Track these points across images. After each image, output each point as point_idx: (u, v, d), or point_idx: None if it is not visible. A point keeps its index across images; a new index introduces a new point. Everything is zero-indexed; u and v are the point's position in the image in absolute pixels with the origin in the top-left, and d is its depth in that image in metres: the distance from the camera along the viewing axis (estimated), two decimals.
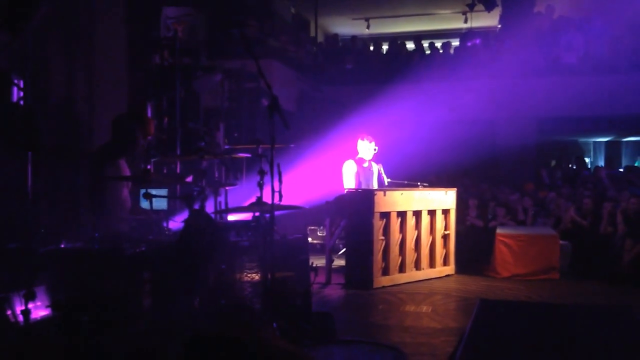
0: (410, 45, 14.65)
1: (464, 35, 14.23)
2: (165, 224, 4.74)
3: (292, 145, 5.80)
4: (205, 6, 9.62)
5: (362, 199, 7.34)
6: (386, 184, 8.04)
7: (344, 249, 8.40)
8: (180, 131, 7.13)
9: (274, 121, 4.02)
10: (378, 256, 7.34)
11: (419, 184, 8.06)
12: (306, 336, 4.27)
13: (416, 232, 7.84)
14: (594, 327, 3.15)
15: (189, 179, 5.67)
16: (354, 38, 15.07)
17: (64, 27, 6.73)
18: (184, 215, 4.46)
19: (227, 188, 5.47)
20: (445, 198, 8.23)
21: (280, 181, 4.19)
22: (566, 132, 14.79)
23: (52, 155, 6.00)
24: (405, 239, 7.66)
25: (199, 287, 4.19)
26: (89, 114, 7.01)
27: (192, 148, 5.98)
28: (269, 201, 4.12)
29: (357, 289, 7.22)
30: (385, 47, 14.67)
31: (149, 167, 4.89)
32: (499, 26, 14.27)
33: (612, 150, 16.93)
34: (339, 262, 8.28)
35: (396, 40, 14.44)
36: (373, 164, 8.03)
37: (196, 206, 4.45)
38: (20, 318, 3.83)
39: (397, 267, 7.59)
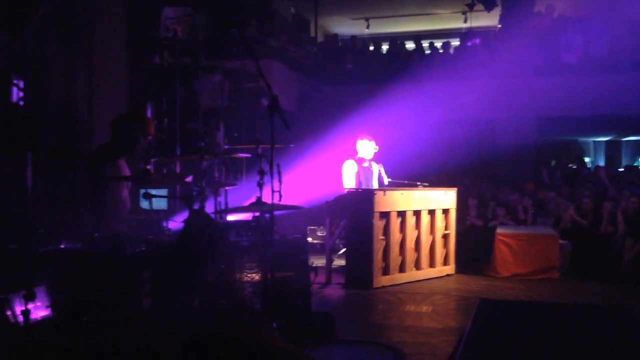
0: (410, 45, 14.66)
1: (464, 35, 14.23)
2: (165, 224, 4.74)
3: (292, 145, 5.80)
4: (205, 6, 9.63)
5: (362, 199, 7.34)
6: (386, 183, 8.04)
7: (344, 249, 8.40)
8: (180, 131, 7.12)
9: (273, 121, 4.02)
10: (378, 256, 7.34)
11: (419, 183, 8.06)
12: (306, 336, 4.27)
13: (416, 232, 7.84)
14: (594, 327, 3.15)
15: (189, 179, 5.66)
16: (353, 38, 15.07)
17: (64, 27, 6.73)
18: (184, 215, 4.45)
19: (227, 188, 5.47)
20: (445, 198, 8.23)
21: (280, 181, 4.19)
22: (566, 131, 14.80)
23: (51, 155, 6.00)
24: (405, 239, 7.65)
25: (198, 287, 4.18)
26: (89, 114, 7.01)
27: (192, 148, 5.97)
28: (269, 201, 4.12)
29: (357, 288, 7.22)
30: (385, 47, 14.68)
31: (148, 167, 4.88)
32: (499, 26, 14.26)
33: (612, 150, 16.94)
34: (339, 262, 8.28)
35: (396, 40, 14.45)
36: (373, 163, 8.03)
37: (196, 206, 4.44)
38: (20, 318, 3.83)
39: (397, 267, 7.59)
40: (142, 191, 4.73)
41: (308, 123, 11.11)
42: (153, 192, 4.62)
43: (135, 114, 5.95)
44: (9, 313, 3.93)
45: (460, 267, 8.36)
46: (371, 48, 14.63)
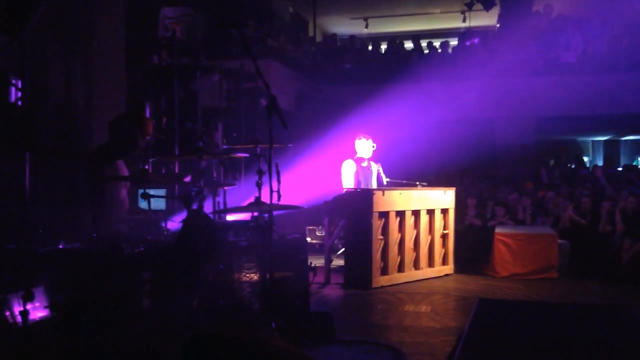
0: (408, 45, 14.66)
1: (463, 34, 14.25)
2: (163, 224, 4.74)
3: (290, 145, 5.80)
4: (203, 6, 9.62)
5: (361, 199, 7.34)
6: (385, 183, 8.04)
7: (342, 249, 8.40)
8: (179, 131, 7.12)
9: (272, 121, 4.01)
10: (377, 256, 7.34)
11: (417, 183, 8.06)
12: (305, 336, 4.27)
13: (415, 232, 7.85)
14: (592, 327, 3.15)
15: (188, 179, 5.66)
16: (352, 38, 15.08)
17: (63, 27, 6.72)
18: (183, 215, 4.45)
19: (225, 188, 5.46)
20: (444, 197, 8.23)
21: (278, 181, 4.18)
22: (565, 131, 14.82)
23: (50, 155, 5.99)
24: (404, 239, 7.66)
25: (197, 287, 4.18)
26: (88, 114, 7.00)
27: (190, 148, 5.96)
28: (268, 201, 4.12)
29: (356, 288, 7.22)
30: (383, 47, 14.68)
31: (147, 167, 4.88)
32: (498, 25, 14.28)
33: (611, 149, 16.96)
34: (338, 262, 8.28)
35: (395, 40, 14.45)
36: (372, 163, 8.03)
37: (194, 206, 4.44)
38: (19, 319, 3.82)
39: (396, 267, 7.60)
40: (141, 191, 4.72)
41: (307, 123, 11.11)
42: (151, 192, 4.63)
43: (134, 114, 5.94)
44: (7, 313, 3.93)
45: (459, 267, 8.37)
46: (370, 48, 14.64)
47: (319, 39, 16.04)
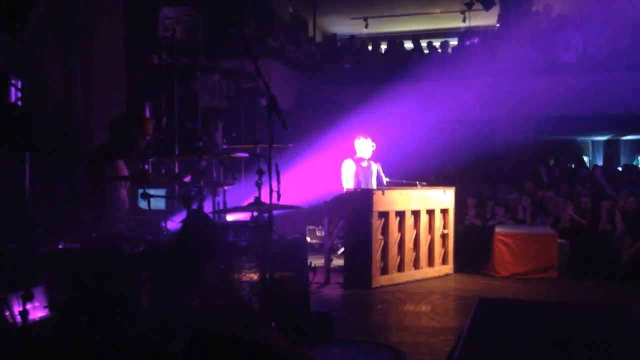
0: (408, 45, 14.65)
1: (463, 34, 14.23)
2: (163, 224, 4.74)
3: (290, 145, 5.80)
4: (203, 6, 9.62)
5: (361, 199, 7.34)
6: (385, 183, 8.04)
7: (342, 249, 8.40)
8: (179, 131, 7.12)
9: (272, 121, 4.01)
10: (377, 256, 7.34)
11: (417, 183, 8.06)
12: (305, 336, 4.27)
13: (415, 232, 7.85)
14: (592, 326, 3.15)
15: (187, 179, 5.67)
16: (352, 38, 15.07)
17: (63, 28, 6.72)
18: (182, 215, 4.45)
19: (225, 188, 5.47)
20: (443, 197, 8.23)
21: (278, 181, 4.18)
22: (565, 131, 14.80)
23: (50, 155, 5.99)
24: (404, 239, 7.66)
25: (197, 287, 4.18)
26: (88, 114, 7.00)
27: (190, 148, 5.96)
28: (268, 201, 4.12)
29: (356, 288, 7.22)
30: (383, 47, 14.67)
31: (146, 167, 4.88)
32: (497, 25, 14.26)
33: (611, 149, 16.95)
34: (338, 262, 8.28)
35: (394, 40, 14.44)
36: (372, 163, 8.03)
37: (194, 206, 4.44)
38: (19, 319, 3.82)
39: (396, 267, 7.60)
40: (141, 191, 4.72)
41: (307, 123, 11.11)
42: (151, 192, 4.63)
43: (133, 114, 5.94)
44: (7, 313, 3.93)
45: (459, 267, 8.37)
46: (370, 48, 14.64)
47: (318, 39, 16.03)
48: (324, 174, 8.56)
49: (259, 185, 4.28)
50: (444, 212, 8.27)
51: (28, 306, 3.85)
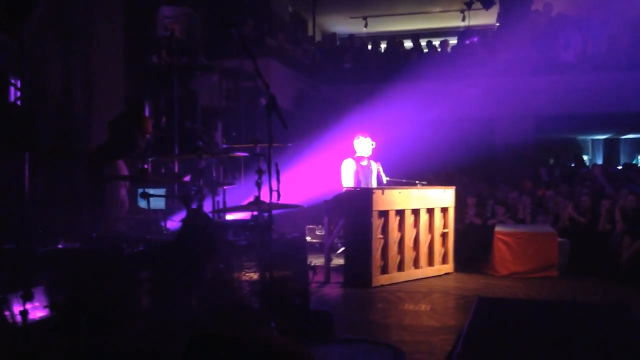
0: (408, 44, 14.64)
1: (462, 33, 14.23)
2: (163, 224, 4.74)
3: (290, 144, 5.80)
4: (202, 5, 9.62)
5: (361, 198, 7.34)
6: (385, 182, 8.04)
7: (342, 248, 8.40)
8: (178, 130, 7.12)
9: (271, 120, 4.01)
10: (377, 255, 7.34)
11: (417, 182, 8.06)
12: (305, 335, 4.27)
13: (415, 231, 7.85)
14: (592, 325, 3.15)
15: (187, 178, 5.67)
16: (351, 37, 15.06)
17: (62, 27, 6.72)
18: (182, 214, 4.45)
19: (225, 187, 5.46)
20: (443, 196, 8.23)
21: (278, 180, 4.18)
22: (565, 130, 14.81)
23: (50, 155, 5.99)
24: (404, 238, 7.66)
25: (197, 286, 4.18)
26: (87, 113, 7.01)
27: (190, 147, 5.96)
28: (267, 200, 4.12)
29: (356, 287, 7.22)
30: (383, 46, 14.66)
31: (146, 166, 4.88)
32: (497, 24, 14.26)
33: (611, 148, 16.96)
34: (338, 261, 8.28)
35: (394, 39, 14.43)
36: (372, 162, 8.03)
37: (194, 205, 4.44)
38: (19, 319, 3.82)
39: (396, 266, 7.60)
40: (140, 191, 4.72)
41: (306, 122, 11.11)
42: (151, 191, 4.62)
43: (132, 113, 5.94)
44: (7, 313, 3.93)
45: (459, 266, 8.37)
46: (369, 47, 14.62)
47: (318, 38, 16.01)
48: (324, 173, 8.56)
49: (258, 185, 4.28)
50: (444, 211, 8.27)
51: (28, 306, 3.85)
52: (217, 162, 6.41)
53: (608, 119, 12.59)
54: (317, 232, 9.94)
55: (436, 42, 14.08)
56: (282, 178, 4.21)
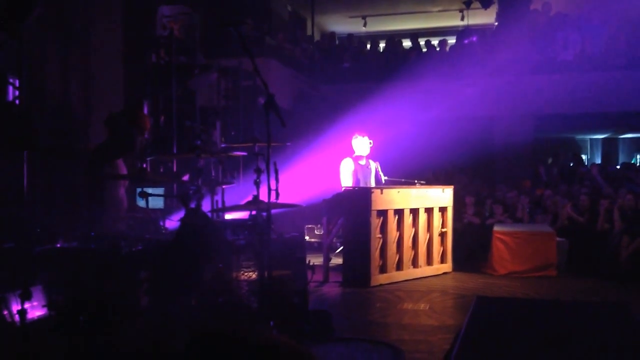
0: (407, 43, 14.64)
1: (461, 32, 14.22)
2: (162, 223, 4.73)
3: (289, 144, 5.80)
4: (201, 4, 9.61)
5: (360, 197, 7.34)
6: (383, 181, 8.05)
7: (341, 247, 8.40)
8: (177, 130, 7.12)
9: (270, 119, 4.02)
10: (375, 254, 7.34)
11: (416, 181, 8.07)
12: (304, 335, 4.27)
13: (413, 230, 7.85)
14: (591, 325, 3.15)
15: (186, 177, 5.66)
16: (350, 36, 15.06)
17: (61, 26, 6.72)
18: (181, 214, 4.45)
19: (223, 186, 5.46)
20: (442, 196, 8.24)
21: (277, 179, 4.19)
22: (563, 129, 14.81)
23: (48, 154, 5.98)
24: (403, 237, 7.66)
25: (196, 286, 4.18)
26: (86, 112, 7.00)
27: (188, 146, 5.97)
28: (266, 199, 4.12)
29: (355, 287, 7.22)
30: (382, 45, 14.66)
31: (145, 165, 4.88)
32: (496, 24, 14.26)
33: (609, 147, 16.97)
34: (337, 261, 8.27)
35: (393, 38, 14.43)
36: (370, 161, 8.03)
37: (192, 205, 4.44)
38: (17, 318, 3.82)
39: (395, 265, 7.60)
40: (139, 190, 4.72)
41: (305, 121, 11.10)
42: (149, 190, 4.62)
43: (130, 112, 5.93)
44: (5, 312, 3.93)
45: (458, 265, 8.38)
46: (368, 46, 14.62)
47: (317, 37, 16.01)
48: (323, 172, 8.56)
49: (257, 184, 4.29)
50: (443, 210, 8.27)
51: (26, 305, 3.84)
52: (215, 161, 6.41)
53: (607, 119, 12.60)
54: (316, 232, 9.94)
55: (435, 42, 14.08)
56: (280, 177, 4.22)
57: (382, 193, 7.40)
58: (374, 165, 8.05)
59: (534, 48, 12.24)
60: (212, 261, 4.31)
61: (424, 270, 7.92)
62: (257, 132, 7.34)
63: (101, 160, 5.03)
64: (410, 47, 14.16)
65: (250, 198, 4.39)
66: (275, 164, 4.12)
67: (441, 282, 7.66)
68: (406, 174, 8.34)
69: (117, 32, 7.61)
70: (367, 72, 13.11)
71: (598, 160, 15.75)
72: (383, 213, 7.43)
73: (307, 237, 9.56)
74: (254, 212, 4.65)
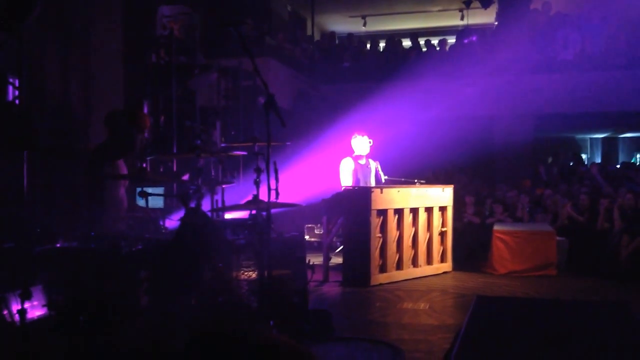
0: (406, 43, 14.64)
1: (461, 32, 14.22)
2: (161, 223, 4.73)
3: (288, 143, 5.80)
4: (201, 4, 9.61)
5: (359, 197, 7.34)
6: (383, 181, 8.05)
7: (341, 247, 8.40)
8: (177, 129, 7.12)
9: (270, 119, 4.02)
10: (375, 253, 7.34)
11: (416, 181, 8.06)
12: (304, 334, 4.27)
13: (413, 229, 7.85)
14: (591, 324, 3.15)
15: (186, 177, 5.67)
16: (350, 36, 15.05)
17: (61, 26, 6.72)
18: (181, 213, 4.45)
19: (223, 186, 5.46)
20: (442, 195, 8.24)
21: (276, 179, 4.19)
22: (563, 128, 14.82)
23: (48, 154, 5.99)
24: (403, 236, 7.66)
25: (195, 285, 4.18)
26: (86, 112, 7.00)
27: (188, 146, 5.97)
28: (266, 199, 4.12)
29: (355, 286, 7.22)
30: (382, 45, 14.66)
31: (145, 165, 4.88)
32: (496, 23, 14.26)
33: (609, 147, 16.97)
34: (336, 260, 8.27)
35: (393, 38, 14.43)
36: (370, 161, 8.04)
37: (192, 204, 4.44)
38: (17, 318, 3.82)
39: (395, 265, 7.60)
40: (138, 189, 4.72)
41: (305, 121, 11.10)
42: (149, 190, 4.62)
43: (129, 112, 5.94)
44: (5, 312, 3.93)
45: (458, 265, 8.38)
46: (368, 46, 14.62)
47: (317, 37, 16.01)
48: (323, 172, 8.56)
49: (257, 184, 4.29)
50: (443, 209, 8.27)
51: (26, 305, 3.85)
52: (215, 161, 6.41)
53: (606, 118, 12.60)
54: (316, 231, 9.94)
55: (435, 41, 14.08)
56: (280, 177, 4.22)
57: (382, 192, 7.40)
58: (373, 165, 8.05)
59: (534, 47, 12.24)
60: (212, 261, 4.31)
61: (423, 270, 7.92)
62: (257, 131, 7.35)
63: (101, 160, 5.03)
64: (410, 47, 14.16)
65: (250, 197, 4.40)
66: (275, 163, 4.12)
67: (441, 282, 7.66)
68: (406, 174, 8.34)
69: (117, 32, 7.61)
70: (367, 71, 13.11)
71: (598, 160, 15.74)
72: (383, 212, 7.43)
73: (307, 237, 9.57)
74: (253, 212, 4.65)
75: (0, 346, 3.78)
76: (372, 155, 8.07)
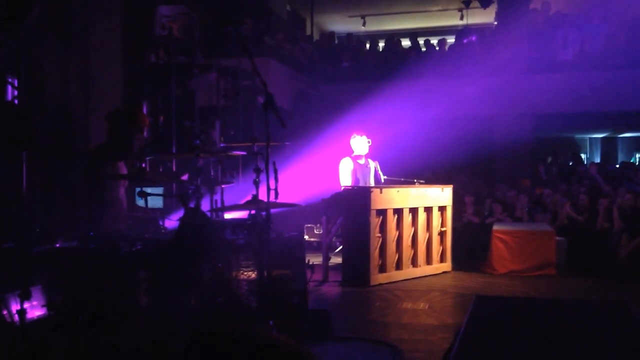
0: (406, 43, 14.63)
1: (460, 32, 14.22)
2: (161, 223, 4.73)
3: (288, 143, 5.80)
4: (200, 4, 9.61)
5: (359, 197, 7.34)
6: (382, 181, 8.05)
7: (340, 247, 8.40)
8: (176, 129, 7.11)
9: (269, 119, 4.02)
10: (375, 253, 7.34)
11: (415, 181, 8.07)
12: (303, 334, 4.27)
13: (413, 229, 7.85)
14: (590, 323, 3.15)
15: (185, 177, 5.66)
16: (349, 36, 15.05)
17: (60, 26, 6.72)
18: (180, 213, 4.45)
19: (223, 186, 5.46)
20: (441, 195, 8.24)
21: (276, 179, 4.19)
22: (562, 128, 14.82)
23: (48, 154, 5.99)
24: (402, 236, 7.66)
25: (195, 285, 4.18)
26: (85, 112, 7.00)
27: (187, 146, 5.97)
28: (265, 199, 4.12)
29: (354, 286, 7.22)
30: (381, 45, 14.65)
31: (144, 165, 4.88)
32: (495, 23, 14.26)
33: (608, 147, 16.97)
34: (336, 260, 8.28)
35: (392, 38, 14.42)
36: (370, 160, 8.04)
37: (192, 204, 4.44)
38: (16, 318, 3.82)
39: (394, 264, 7.60)
40: (138, 189, 4.72)
41: (304, 121, 11.09)
42: (149, 190, 4.62)
43: (129, 112, 5.94)
44: (5, 312, 3.93)
45: (457, 264, 8.38)
46: (367, 46, 14.61)
47: (316, 37, 16.00)
48: (322, 171, 8.56)
49: (256, 184, 4.28)
50: (442, 209, 8.27)
51: (26, 305, 3.84)
52: (215, 160, 6.41)
53: (606, 118, 12.60)
54: (315, 231, 9.94)
55: (434, 41, 14.07)
56: (280, 177, 4.22)
57: (381, 192, 7.41)
58: (373, 165, 8.05)
59: (533, 47, 12.24)
60: (212, 261, 4.31)
61: (423, 270, 7.92)
62: (256, 131, 7.35)
63: (101, 160, 5.03)
64: (410, 47, 14.15)
65: (249, 197, 4.39)
66: (274, 163, 4.12)
67: (440, 281, 7.66)
68: (405, 173, 8.34)
69: (117, 32, 7.60)
70: (366, 71, 13.11)
71: (597, 160, 15.75)
72: (382, 212, 7.43)
73: (306, 237, 9.56)
74: (253, 212, 4.65)
75: (0, 346, 3.78)
76: (372, 155, 8.07)
